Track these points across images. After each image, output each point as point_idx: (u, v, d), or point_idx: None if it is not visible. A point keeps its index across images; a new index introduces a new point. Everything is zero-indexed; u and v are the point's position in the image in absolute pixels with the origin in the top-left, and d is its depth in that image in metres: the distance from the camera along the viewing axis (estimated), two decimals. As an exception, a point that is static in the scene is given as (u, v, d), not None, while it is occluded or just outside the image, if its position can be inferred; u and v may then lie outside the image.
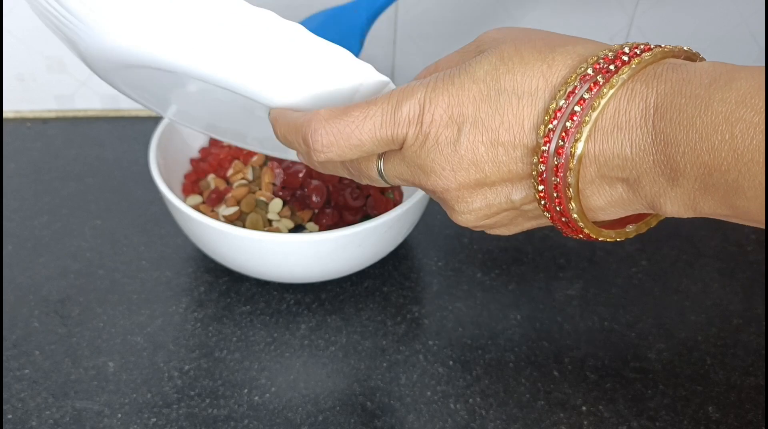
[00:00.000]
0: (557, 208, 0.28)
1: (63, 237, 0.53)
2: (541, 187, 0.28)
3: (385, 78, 0.32)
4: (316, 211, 0.48)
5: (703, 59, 0.28)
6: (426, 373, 0.44)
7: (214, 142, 0.54)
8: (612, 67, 0.26)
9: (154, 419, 0.41)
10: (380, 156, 0.32)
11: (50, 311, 0.47)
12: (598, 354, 0.45)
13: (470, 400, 0.42)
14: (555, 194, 0.28)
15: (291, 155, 0.46)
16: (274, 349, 0.45)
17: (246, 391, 0.42)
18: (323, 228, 0.47)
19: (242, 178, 0.50)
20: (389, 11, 0.60)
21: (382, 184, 0.33)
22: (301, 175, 0.49)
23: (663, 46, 0.27)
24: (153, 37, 0.29)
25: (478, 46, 0.30)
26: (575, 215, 0.28)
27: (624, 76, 0.26)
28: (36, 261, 0.51)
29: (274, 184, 0.49)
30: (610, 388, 0.43)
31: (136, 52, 0.30)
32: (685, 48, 0.27)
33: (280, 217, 0.47)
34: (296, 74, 0.31)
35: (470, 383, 0.43)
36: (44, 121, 0.65)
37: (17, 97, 0.64)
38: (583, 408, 0.42)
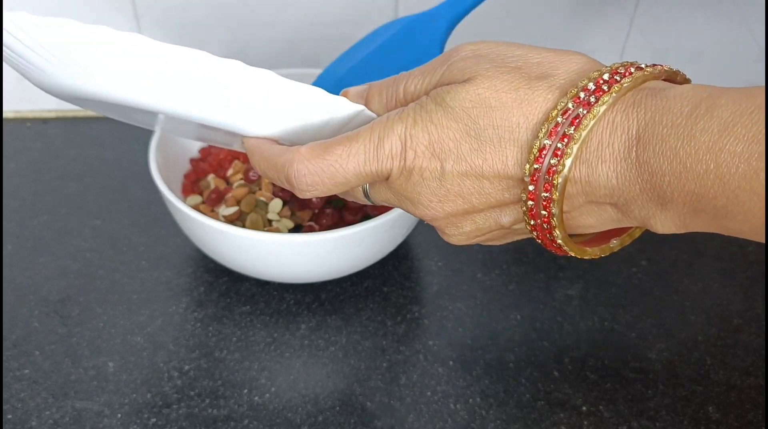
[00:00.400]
0: (548, 237, 0.29)
1: (63, 237, 0.53)
2: (532, 222, 0.28)
3: (358, 107, 0.31)
4: (316, 211, 0.48)
5: (684, 76, 0.28)
6: (426, 373, 0.44)
7: (214, 142, 0.54)
8: (592, 98, 0.26)
9: (154, 419, 0.41)
10: None
11: (50, 311, 0.47)
12: (598, 354, 0.45)
13: (470, 400, 0.42)
14: (545, 225, 0.28)
15: None
16: (274, 349, 0.45)
17: (246, 391, 0.42)
18: (323, 228, 0.47)
19: (242, 178, 0.50)
20: (389, 11, 0.60)
21: (368, 204, 0.33)
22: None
23: (644, 67, 0.27)
24: (123, 86, 0.29)
25: (446, 69, 0.30)
26: (560, 241, 0.29)
27: (604, 106, 0.26)
28: (36, 261, 0.51)
29: (273, 184, 0.49)
30: (610, 388, 0.43)
31: (103, 95, 0.30)
32: (665, 68, 0.27)
33: (280, 217, 0.47)
34: (269, 113, 0.31)
35: (470, 383, 0.43)
36: (44, 121, 0.65)
37: (17, 97, 0.64)
38: (583, 408, 0.42)
